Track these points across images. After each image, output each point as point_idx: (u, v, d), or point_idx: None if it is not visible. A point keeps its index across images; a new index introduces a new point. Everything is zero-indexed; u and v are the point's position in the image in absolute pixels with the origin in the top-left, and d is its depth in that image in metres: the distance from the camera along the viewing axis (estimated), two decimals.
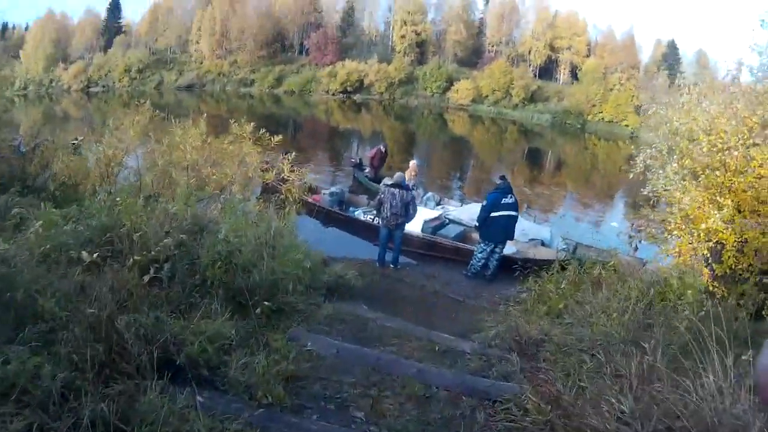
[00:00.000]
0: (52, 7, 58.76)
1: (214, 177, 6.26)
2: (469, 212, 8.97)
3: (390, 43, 50.65)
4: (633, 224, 6.23)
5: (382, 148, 12.39)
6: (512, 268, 5.85)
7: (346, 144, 23.22)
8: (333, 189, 10.08)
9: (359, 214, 9.00)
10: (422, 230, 8.07)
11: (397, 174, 6.99)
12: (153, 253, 2.77)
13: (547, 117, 42.14)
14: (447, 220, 8.83)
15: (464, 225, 8.69)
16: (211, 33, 50.53)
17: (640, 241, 6.22)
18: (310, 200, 9.31)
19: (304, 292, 3.63)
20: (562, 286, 4.44)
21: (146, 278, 2.60)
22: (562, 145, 32.24)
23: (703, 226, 4.27)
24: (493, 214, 6.43)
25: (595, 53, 48.53)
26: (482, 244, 6.67)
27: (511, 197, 6.55)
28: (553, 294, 4.37)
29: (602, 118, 41.57)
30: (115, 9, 58.46)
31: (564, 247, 7.63)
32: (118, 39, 54.24)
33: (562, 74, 50.13)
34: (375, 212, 7.33)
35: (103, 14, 58.09)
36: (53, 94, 47.93)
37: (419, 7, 49.22)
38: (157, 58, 53.46)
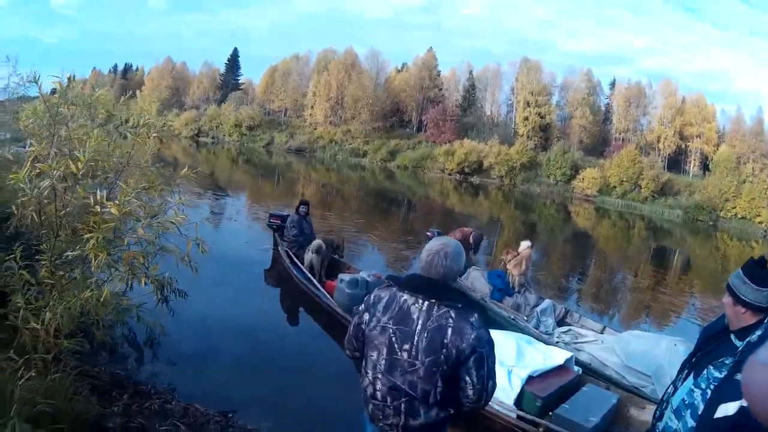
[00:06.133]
0: (171, 55, 62.62)
1: None
2: (638, 352, 4.43)
3: (512, 125, 48.39)
4: None
5: (470, 240, 7.69)
6: None
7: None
8: (362, 274, 5.67)
9: None
10: (521, 405, 3.69)
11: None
12: None
13: (678, 212, 39.16)
14: (581, 380, 4.12)
15: (631, 390, 4.09)
16: (325, 99, 49.92)
17: None
18: (318, 287, 5.74)
19: None
20: None
21: None
22: (692, 244, 29.47)
23: None
24: None
25: (725, 141, 45.03)
26: None
27: None
28: None
29: (735, 214, 37.99)
30: (233, 66, 61.17)
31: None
32: (233, 95, 55.97)
33: (692, 164, 46.75)
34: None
35: (222, 69, 61.14)
36: (163, 138, 51.16)
37: (543, 88, 47.26)
38: (271, 119, 54.62)
